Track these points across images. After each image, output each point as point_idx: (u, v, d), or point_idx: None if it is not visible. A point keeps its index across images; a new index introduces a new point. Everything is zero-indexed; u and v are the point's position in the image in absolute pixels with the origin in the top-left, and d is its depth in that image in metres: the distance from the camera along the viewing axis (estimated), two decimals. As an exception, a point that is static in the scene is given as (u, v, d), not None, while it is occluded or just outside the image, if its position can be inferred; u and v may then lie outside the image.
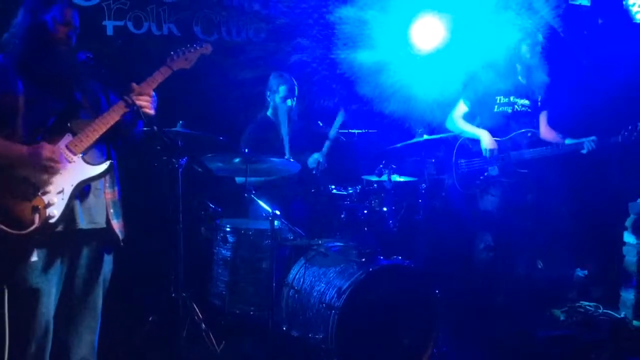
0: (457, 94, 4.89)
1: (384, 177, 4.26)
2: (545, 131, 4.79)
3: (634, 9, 5.49)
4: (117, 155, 2.97)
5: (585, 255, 5.55)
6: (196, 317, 3.99)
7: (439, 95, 4.88)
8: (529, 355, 4.21)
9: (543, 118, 4.81)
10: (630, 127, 4.37)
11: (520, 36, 4.70)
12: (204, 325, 3.96)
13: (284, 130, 4.70)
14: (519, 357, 4.20)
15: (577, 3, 5.63)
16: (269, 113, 4.78)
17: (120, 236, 2.89)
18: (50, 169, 2.61)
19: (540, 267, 5.45)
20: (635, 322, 4.83)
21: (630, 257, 5.01)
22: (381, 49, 4.91)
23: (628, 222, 5.06)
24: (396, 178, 4.32)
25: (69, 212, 2.66)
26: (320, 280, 3.84)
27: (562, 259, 5.50)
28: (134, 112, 2.81)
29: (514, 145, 4.64)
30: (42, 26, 2.70)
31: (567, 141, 4.63)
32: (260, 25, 5.26)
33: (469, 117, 4.81)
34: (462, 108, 4.82)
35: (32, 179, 2.60)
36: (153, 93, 2.88)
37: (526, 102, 4.71)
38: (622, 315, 4.90)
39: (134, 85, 2.81)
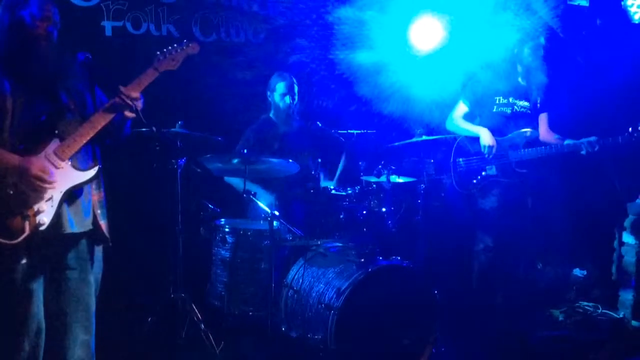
0: (455, 95, 4.88)
1: (383, 178, 4.26)
2: (545, 133, 4.79)
3: (632, 10, 5.49)
4: (104, 156, 2.94)
5: (584, 255, 5.56)
6: (195, 318, 3.98)
7: (438, 96, 4.89)
8: (528, 356, 4.22)
9: (542, 120, 4.81)
10: (630, 129, 4.37)
11: (520, 37, 4.69)
12: (203, 326, 3.95)
13: (283, 128, 4.71)
14: (518, 358, 4.21)
15: (576, 3, 5.64)
16: (271, 114, 4.78)
17: (108, 236, 2.88)
18: (39, 185, 2.59)
19: (539, 267, 5.45)
20: (634, 322, 4.84)
21: (629, 258, 5.02)
22: (380, 50, 4.91)
23: (627, 223, 5.07)
24: (395, 179, 4.32)
25: (58, 218, 2.66)
26: (319, 281, 3.84)
27: (561, 259, 5.51)
28: (124, 114, 2.77)
29: (512, 145, 4.64)
30: (19, 22, 2.65)
31: (567, 142, 4.62)
32: (259, 25, 5.26)
33: (469, 118, 4.81)
34: (462, 108, 4.82)
35: (21, 187, 2.59)
36: (140, 95, 2.84)
37: (526, 103, 4.71)
38: (621, 316, 4.91)
39: (122, 88, 2.78)
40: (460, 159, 4.79)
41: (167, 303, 4.06)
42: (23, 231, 2.57)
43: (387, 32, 4.95)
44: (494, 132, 4.65)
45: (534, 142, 4.66)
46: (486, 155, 4.63)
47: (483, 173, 4.69)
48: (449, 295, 4.10)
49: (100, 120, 2.73)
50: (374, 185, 4.29)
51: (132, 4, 4.79)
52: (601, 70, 5.33)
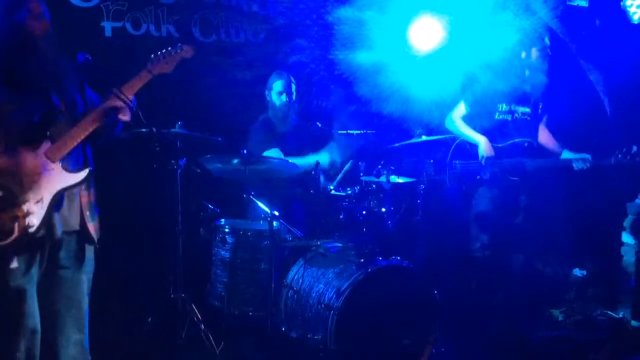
0: (455, 95, 4.87)
1: (383, 178, 4.26)
2: (544, 137, 4.78)
3: (631, 10, 5.49)
4: (104, 157, 2.94)
5: (583, 255, 5.56)
6: (195, 318, 3.99)
7: (438, 96, 4.88)
8: (528, 356, 4.22)
9: (543, 128, 4.81)
10: (624, 149, 4.36)
11: (519, 37, 4.69)
12: (203, 326, 3.95)
13: (280, 128, 4.71)
14: (518, 358, 4.21)
15: (575, 4, 5.63)
16: (269, 114, 4.78)
17: (96, 237, 2.86)
18: (31, 182, 2.59)
19: (538, 267, 5.45)
20: (633, 322, 4.84)
21: (628, 258, 5.02)
22: (379, 50, 4.91)
23: (626, 223, 5.07)
24: (395, 179, 4.32)
25: (47, 220, 2.65)
26: (319, 281, 3.85)
27: (561, 259, 5.51)
28: (117, 117, 2.77)
29: (509, 154, 4.63)
30: (18, 24, 2.64)
31: (564, 154, 4.62)
32: (259, 26, 5.26)
33: (469, 119, 4.80)
34: (462, 109, 4.82)
35: (11, 189, 2.58)
36: (133, 97, 2.84)
37: (526, 109, 4.69)
38: (621, 316, 4.92)
39: (115, 90, 2.77)
40: (457, 162, 4.79)
41: (167, 303, 4.06)
42: (12, 232, 2.55)
43: (387, 33, 4.95)
44: (493, 136, 4.65)
45: (531, 151, 4.65)
46: (482, 164, 4.64)
47: (477, 177, 4.69)
48: (449, 295, 4.10)
49: (92, 123, 2.73)
50: (374, 186, 4.29)
51: (131, 4, 4.79)
52: (600, 71, 5.34)
